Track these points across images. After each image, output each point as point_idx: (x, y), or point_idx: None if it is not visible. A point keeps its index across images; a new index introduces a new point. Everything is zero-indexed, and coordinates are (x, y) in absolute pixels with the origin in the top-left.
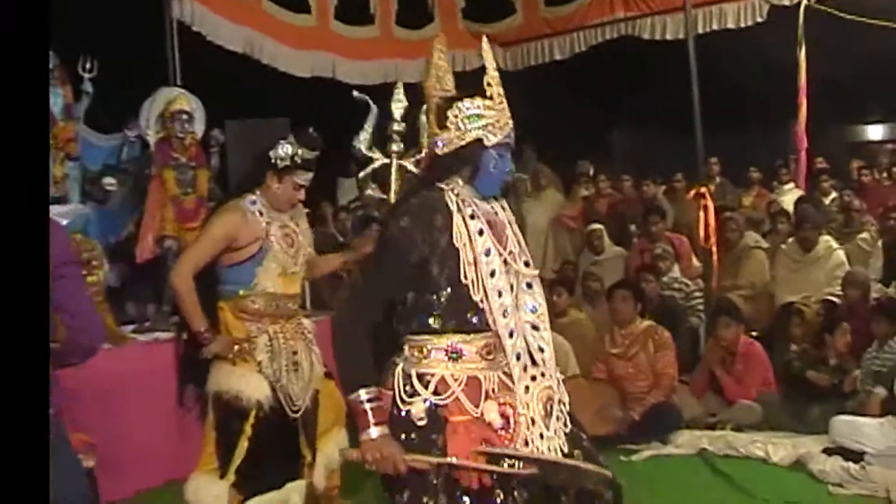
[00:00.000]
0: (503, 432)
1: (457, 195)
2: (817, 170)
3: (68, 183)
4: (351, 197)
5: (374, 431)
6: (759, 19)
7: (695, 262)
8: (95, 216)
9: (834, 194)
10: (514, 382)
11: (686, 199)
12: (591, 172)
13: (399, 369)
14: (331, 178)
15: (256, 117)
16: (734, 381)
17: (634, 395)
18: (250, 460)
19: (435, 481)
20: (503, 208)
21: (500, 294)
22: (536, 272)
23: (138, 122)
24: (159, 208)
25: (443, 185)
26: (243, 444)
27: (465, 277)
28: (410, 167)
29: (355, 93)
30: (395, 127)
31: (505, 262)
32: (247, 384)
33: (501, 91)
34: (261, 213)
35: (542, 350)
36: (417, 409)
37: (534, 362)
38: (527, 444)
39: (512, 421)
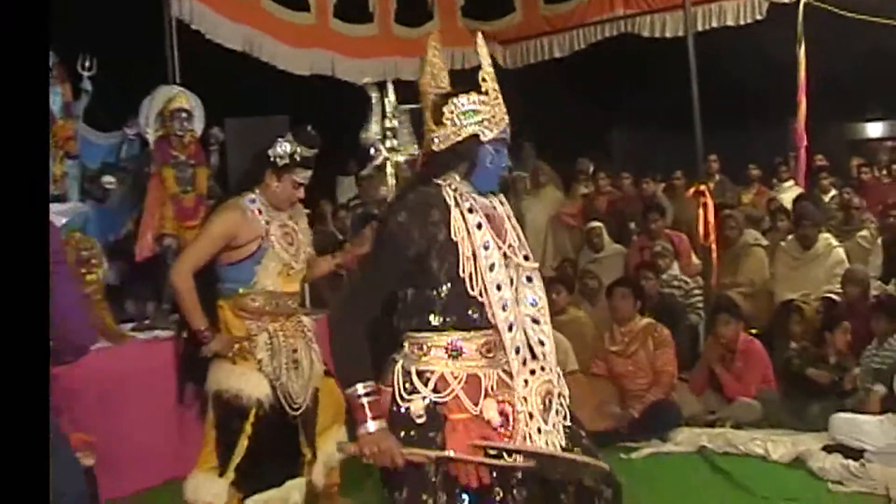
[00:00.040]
0: (502, 430)
1: (454, 190)
2: (817, 167)
3: (67, 181)
4: (350, 195)
5: (372, 425)
6: (759, 17)
7: (694, 259)
8: (94, 214)
9: (833, 192)
10: (513, 379)
11: (685, 197)
12: (591, 170)
13: (399, 366)
14: (330, 177)
15: (256, 115)
16: (734, 378)
17: (634, 392)
18: (250, 458)
19: (434, 479)
20: (501, 203)
21: (499, 288)
22: (536, 265)
23: (137, 121)
24: (158, 206)
25: (440, 181)
26: (243, 443)
27: (464, 271)
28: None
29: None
30: (388, 124)
31: (505, 255)
32: (247, 383)
33: (496, 86)
34: (260, 212)
35: (542, 343)
36: (417, 406)
37: (534, 356)
38: (525, 440)
39: (511, 419)
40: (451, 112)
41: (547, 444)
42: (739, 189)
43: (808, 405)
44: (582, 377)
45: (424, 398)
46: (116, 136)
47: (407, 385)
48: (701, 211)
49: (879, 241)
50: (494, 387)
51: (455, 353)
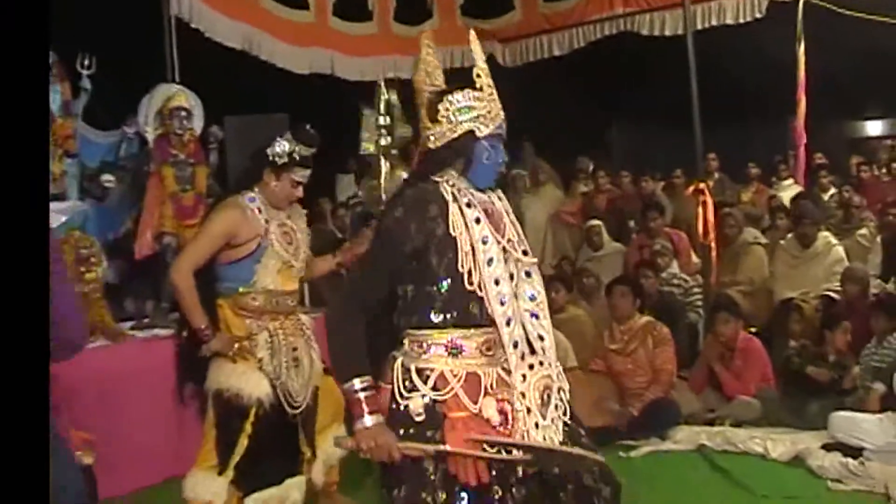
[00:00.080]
0: (501, 429)
1: (452, 186)
2: (816, 166)
3: (66, 180)
4: (349, 193)
5: (369, 420)
6: (758, 15)
7: (693, 258)
8: (94, 213)
9: (833, 190)
10: (511, 375)
11: (685, 195)
12: (590, 168)
13: (398, 364)
14: (329, 175)
15: (255, 114)
16: (733, 376)
17: (633, 390)
18: (249, 457)
19: (433, 477)
20: (499, 198)
21: (497, 282)
22: (535, 261)
23: (137, 119)
24: (158, 205)
25: (437, 178)
26: (243, 442)
27: (463, 266)
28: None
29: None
30: (381, 122)
31: (504, 250)
32: (247, 382)
33: (491, 82)
34: (259, 210)
35: (541, 339)
36: (416, 404)
37: (532, 351)
38: (523, 437)
39: (510, 418)
40: (447, 109)
41: (544, 439)
42: (739, 187)
43: (807, 403)
44: (580, 373)
45: (424, 396)
46: (116, 135)
47: (406, 383)
48: (700, 209)
49: (879, 239)
50: (494, 385)
51: (455, 351)
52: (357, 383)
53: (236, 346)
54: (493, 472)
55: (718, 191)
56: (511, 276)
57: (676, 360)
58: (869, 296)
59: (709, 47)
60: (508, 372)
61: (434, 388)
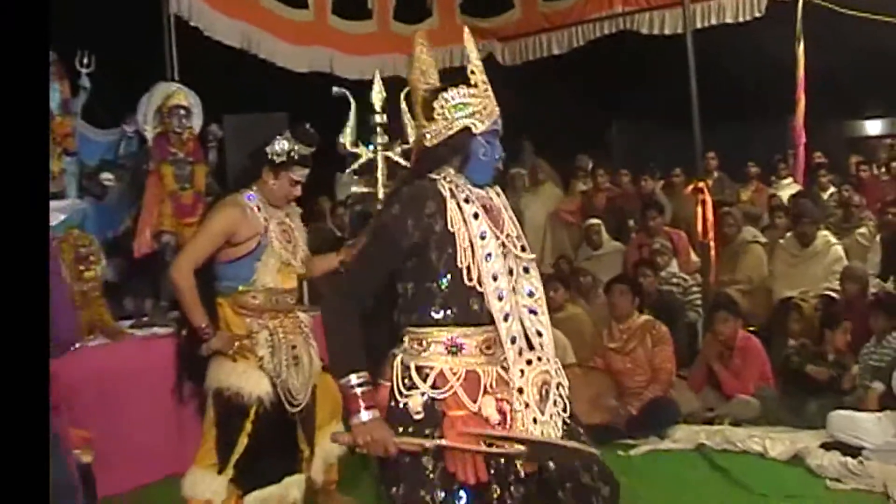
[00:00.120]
0: (500, 427)
1: (449, 182)
2: (815, 165)
3: (66, 178)
4: (349, 192)
5: (365, 415)
6: (758, 14)
7: (693, 256)
8: (93, 211)
9: (832, 189)
10: (509, 370)
11: (684, 194)
12: (590, 167)
13: (398, 361)
14: (329, 174)
15: (254, 112)
16: (732, 375)
17: (632, 389)
18: (249, 455)
19: (431, 475)
20: (497, 194)
21: (495, 278)
22: (533, 256)
23: (136, 118)
24: (157, 203)
25: (434, 176)
26: (243, 440)
27: (462, 262)
28: (396, 158)
29: (335, 88)
30: (378, 119)
31: (503, 245)
32: (247, 380)
33: (486, 78)
34: (258, 209)
35: (539, 334)
36: (415, 402)
37: (531, 347)
38: (522, 431)
39: (509, 417)
40: (442, 107)
41: (542, 434)
42: (738, 186)
43: (806, 402)
44: (578, 370)
45: (423, 394)
46: (115, 133)
47: (406, 380)
48: (699, 208)
49: (878, 238)
50: (493, 384)
51: (455, 349)
52: (353, 378)
53: (237, 344)
54: (492, 471)
55: (718, 190)
56: (511, 272)
57: (675, 358)
58: (868, 295)
59: (708, 46)
60: (508, 371)
61: (433, 387)
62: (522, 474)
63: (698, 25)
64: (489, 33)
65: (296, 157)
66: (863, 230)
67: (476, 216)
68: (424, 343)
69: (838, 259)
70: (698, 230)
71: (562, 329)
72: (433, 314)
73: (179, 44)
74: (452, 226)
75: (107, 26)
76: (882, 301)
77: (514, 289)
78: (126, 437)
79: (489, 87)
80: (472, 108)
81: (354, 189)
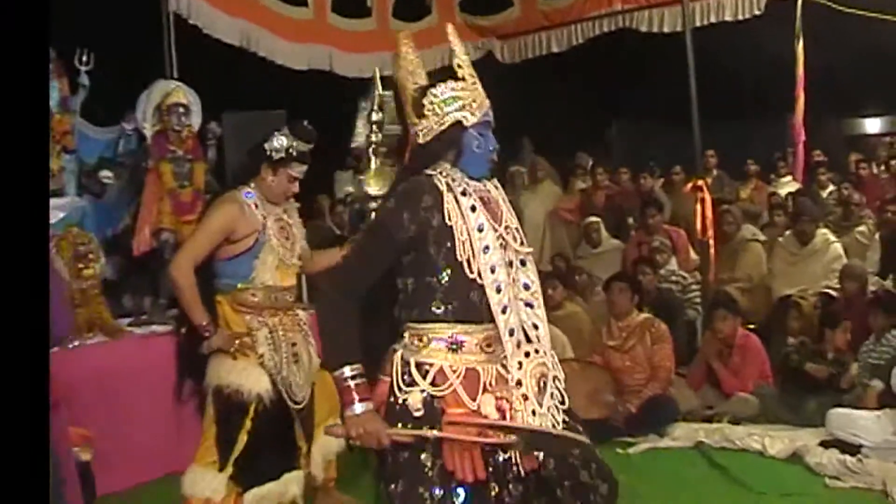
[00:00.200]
0: None
1: (446, 177)
2: (815, 163)
3: (65, 176)
4: (348, 190)
5: (359, 407)
6: (757, 12)
7: (692, 254)
8: (92, 209)
9: (831, 187)
10: (507, 362)
11: (683, 192)
12: (589, 165)
13: (398, 356)
14: (328, 172)
15: (253, 110)
16: (731, 373)
17: (631, 387)
18: (249, 453)
19: (430, 472)
20: (496, 187)
21: (493, 270)
22: (530, 249)
23: (135, 115)
24: (156, 201)
25: (430, 172)
26: (243, 438)
27: (461, 255)
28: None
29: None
30: (374, 117)
31: (501, 237)
32: (247, 378)
33: (473, 72)
34: (256, 206)
35: (536, 327)
36: (414, 399)
37: (528, 339)
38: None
39: (508, 415)
40: (432, 103)
41: (541, 426)
42: (737, 184)
43: (805, 400)
44: (575, 365)
45: (422, 391)
46: (114, 131)
47: (405, 377)
48: (699, 206)
49: (877, 236)
50: (493, 382)
51: (455, 346)
52: (347, 371)
53: (237, 342)
54: (490, 469)
55: (717, 188)
56: (510, 264)
57: (675, 356)
58: (867, 293)
59: (707, 44)
60: (507, 368)
61: (433, 384)
62: (521, 472)
63: (697, 23)
64: (488, 31)
65: (294, 153)
66: (862, 228)
67: (473, 209)
68: (425, 339)
69: (837, 257)
70: (697, 228)
71: (560, 327)
72: (434, 310)
73: (178, 42)
74: (450, 219)
75: (106, 24)
76: (881, 299)
77: (512, 280)
78: (125, 436)
79: (477, 80)
80: (461, 101)
81: (350, 188)
